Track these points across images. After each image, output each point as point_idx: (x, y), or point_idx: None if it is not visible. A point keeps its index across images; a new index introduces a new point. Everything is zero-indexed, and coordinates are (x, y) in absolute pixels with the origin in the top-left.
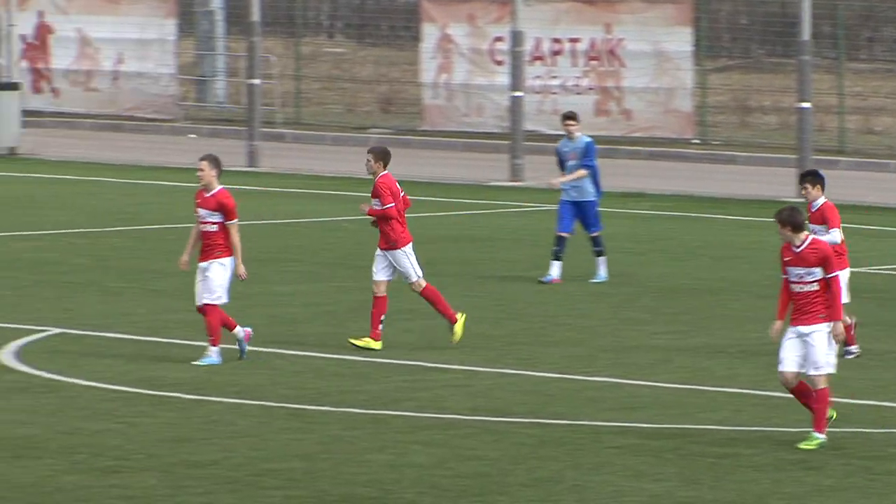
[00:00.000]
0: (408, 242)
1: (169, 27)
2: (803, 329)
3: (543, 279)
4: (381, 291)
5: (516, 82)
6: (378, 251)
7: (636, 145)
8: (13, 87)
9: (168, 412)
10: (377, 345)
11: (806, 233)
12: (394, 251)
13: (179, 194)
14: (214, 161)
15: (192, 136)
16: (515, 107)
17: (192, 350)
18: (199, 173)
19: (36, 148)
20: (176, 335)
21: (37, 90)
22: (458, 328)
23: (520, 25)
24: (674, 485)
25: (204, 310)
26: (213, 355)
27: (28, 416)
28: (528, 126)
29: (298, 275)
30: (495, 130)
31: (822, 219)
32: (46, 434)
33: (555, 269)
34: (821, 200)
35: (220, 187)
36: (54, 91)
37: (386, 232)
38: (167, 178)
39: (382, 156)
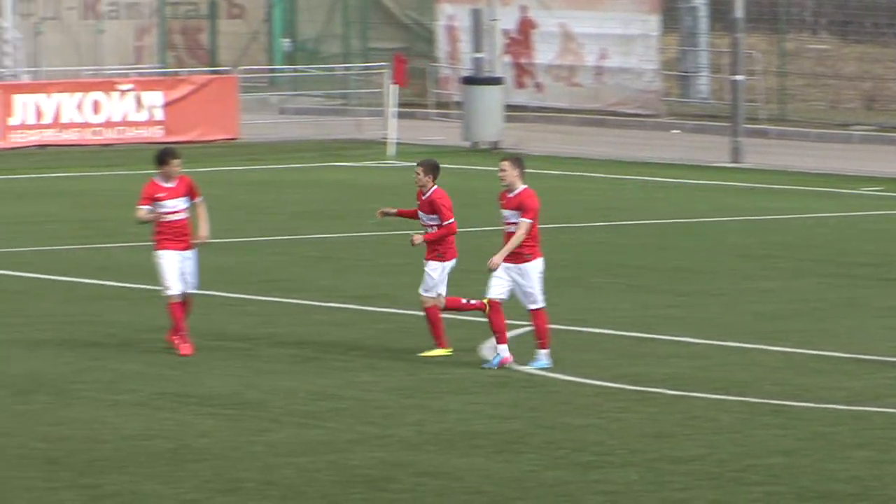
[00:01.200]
0: (453, 258)
1: (652, 23)
2: None
3: None
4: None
5: None
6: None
7: None
8: (496, 81)
9: (650, 408)
10: (447, 351)
11: None
12: (435, 262)
13: (664, 190)
14: (517, 162)
15: (676, 131)
16: None
17: (677, 346)
18: (500, 174)
19: (519, 142)
20: (659, 331)
21: (520, 85)
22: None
23: None
24: None
25: (532, 314)
26: (542, 358)
27: (510, 410)
28: None
29: (783, 271)
30: None
31: None
32: (528, 429)
33: None
34: None
35: (523, 187)
36: (537, 86)
37: (435, 245)
38: (651, 174)
39: (432, 169)
